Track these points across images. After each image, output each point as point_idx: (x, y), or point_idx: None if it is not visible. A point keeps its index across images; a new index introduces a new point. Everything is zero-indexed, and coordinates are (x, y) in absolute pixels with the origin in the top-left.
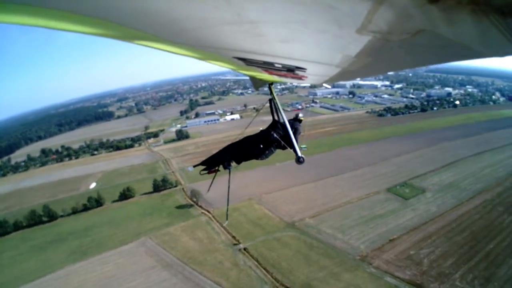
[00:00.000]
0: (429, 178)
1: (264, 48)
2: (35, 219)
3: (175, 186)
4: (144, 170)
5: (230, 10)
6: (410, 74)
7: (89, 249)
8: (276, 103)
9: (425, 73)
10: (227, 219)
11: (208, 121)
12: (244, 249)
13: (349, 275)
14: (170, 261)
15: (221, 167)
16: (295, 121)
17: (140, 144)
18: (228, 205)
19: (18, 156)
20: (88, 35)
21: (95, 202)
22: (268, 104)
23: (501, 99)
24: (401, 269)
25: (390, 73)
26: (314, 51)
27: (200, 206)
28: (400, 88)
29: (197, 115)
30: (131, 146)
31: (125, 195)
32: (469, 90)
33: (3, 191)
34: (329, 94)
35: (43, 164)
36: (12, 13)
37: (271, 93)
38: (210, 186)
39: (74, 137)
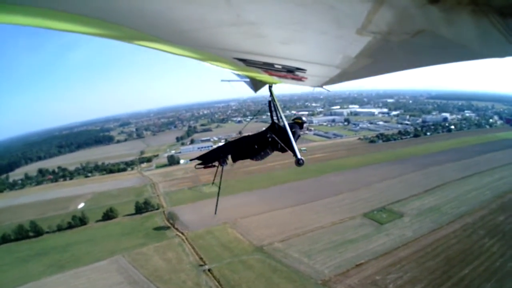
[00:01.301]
0: (410, 203)
1: (264, 49)
2: (22, 234)
3: (157, 209)
4: (132, 193)
5: (230, 11)
6: (411, 101)
7: (67, 263)
8: (276, 104)
9: (425, 100)
10: (216, 213)
11: (202, 147)
12: (209, 270)
13: None
14: (137, 278)
15: (221, 167)
16: (294, 124)
17: (132, 168)
18: (218, 199)
19: (17, 174)
20: (89, 35)
21: (79, 220)
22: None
23: (499, 122)
24: None
25: (390, 100)
26: (314, 52)
27: (176, 229)
28: (397, 115)
29: (192, 142)
30: (124, 169)
31: (108, 215)
32: (467, 115)
33: None
34: (325, 122)
35: (39, 183)
36: (12, 14)
37: (271, 95)
38: (214, 179)
39: (72, 159)
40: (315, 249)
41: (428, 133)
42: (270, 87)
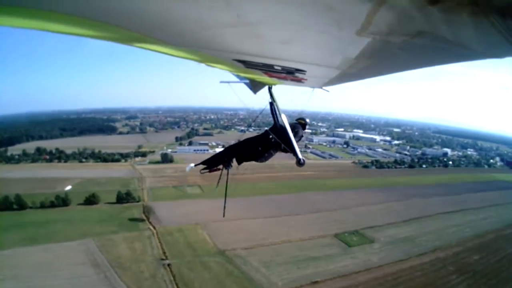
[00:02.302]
0: (384, 230)
1: (264, 50)
2: (6, 205)
3: (137, 201)
4: (118, 183)
5: (229, 12)
6: (416, 133)
7: (40, 238)
8: (276, 105)
9: (431, 134)
10: (224, 215)
11: (198, 150)
12: (168, 265)
13: None
14: (100, 262)
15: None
16: (296, 124)
17: (126, 160)
18: (225, 202)
19: (16, 149)
20: (89, 38)
21: (61, 201)
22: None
23: (499, 163)
24: None
25: (396, 129)
26: (314, 53)
27: (150, 222)
28: (398, 145)
29: (190, 143)
30: (118, 160)
31: (90, 200)
32: (468, 152)
33: None
34: (325, 142)
35: (34, 161)
36: (15, 16)
37: (271, 96)
38: (218, 183)
39: (71, 143)
40: (276, 261)
41: (424, 166)
42: (269, 89)
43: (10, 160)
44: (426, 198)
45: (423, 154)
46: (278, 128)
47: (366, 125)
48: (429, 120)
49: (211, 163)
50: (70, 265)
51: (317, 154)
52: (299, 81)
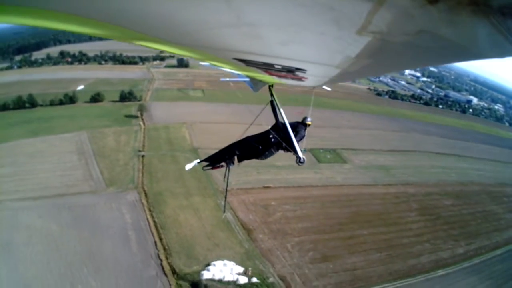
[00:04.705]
0: (364, 155)
1: (264, 50)
2: (19, 104)
3: (139, 100)
4: (128, 84)
5: (230, 12)
6: (452, 77)
7: (41, 131)
8: (277, 104)
9: (468, 81)
10: (224, 211)
11: None
12: (142, 156)
13: (199, 198)
14: (86, 150)
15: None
16: (299, 124)
17: (143, 63)
18: (226, 199)
19: (41, 54)
20: (90, 35)
21: (69, 99)
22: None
23: None
24: (248, 211)
25: (432, 68)
26: (314, 52)
27: (142, 119)
28: (424, 82)
29: None
30: (136, 63)
31: (95, 98)
32: (496, 107)
33: (11, 80)
34: None
35: (55, 64)
36: (14, 15)
37: (272, 94)
38: (226, 177)
39: (97, 47)
40: (241, 163)
41: (440, 106)
42: (270, 87)
43: (33, 64)
44: (424, 135)
45: (445, 96)
46: (279, 127)
47: None
48: (472, 69)
49: (214, 160)
50: (60, 153)
51: None
52: (299, 79)
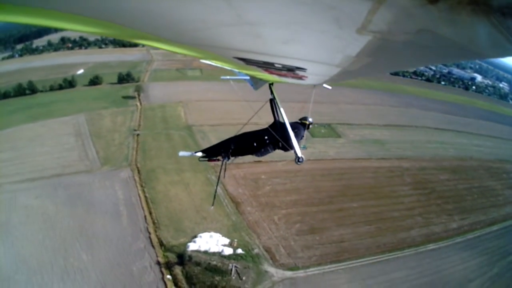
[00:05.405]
0: (358, 129)
1: (264, 49)
2: (20, 91)
3: (137, 82)
4: (127, 66)
5: (230, 11)
6: None
7: (40, 116)
8: (277, 102)
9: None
10: (213, 204)
11: None
12: (137, 135)
13: (190, 174)
14: (83, 131)
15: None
16: (297, 124)
17: (143, 46)
18: (216, 192)
19: (42, 41)
20: (91, 34)
21: (68, 83)
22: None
23: None
24: (238, 185)
25: None
26: (314, 51)
27: (139, 100)
28: None
29: None
30: (136, 45)
31: (94, 81)
32: (501, 85)
33: (13, 68)
34: None
35: (56, 50)
36: (14, 14)
37: (272, 93)
38: (220, 171)
39: None
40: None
41: (443, 83)
42: (270, 86)
43: (34, 51)
44: (423, 111)
45: (448, 73)
46: (278, 126)
47: None
48: None
49: (210, 153)
50: (58, 136)
51: None
52: (299, 78)
